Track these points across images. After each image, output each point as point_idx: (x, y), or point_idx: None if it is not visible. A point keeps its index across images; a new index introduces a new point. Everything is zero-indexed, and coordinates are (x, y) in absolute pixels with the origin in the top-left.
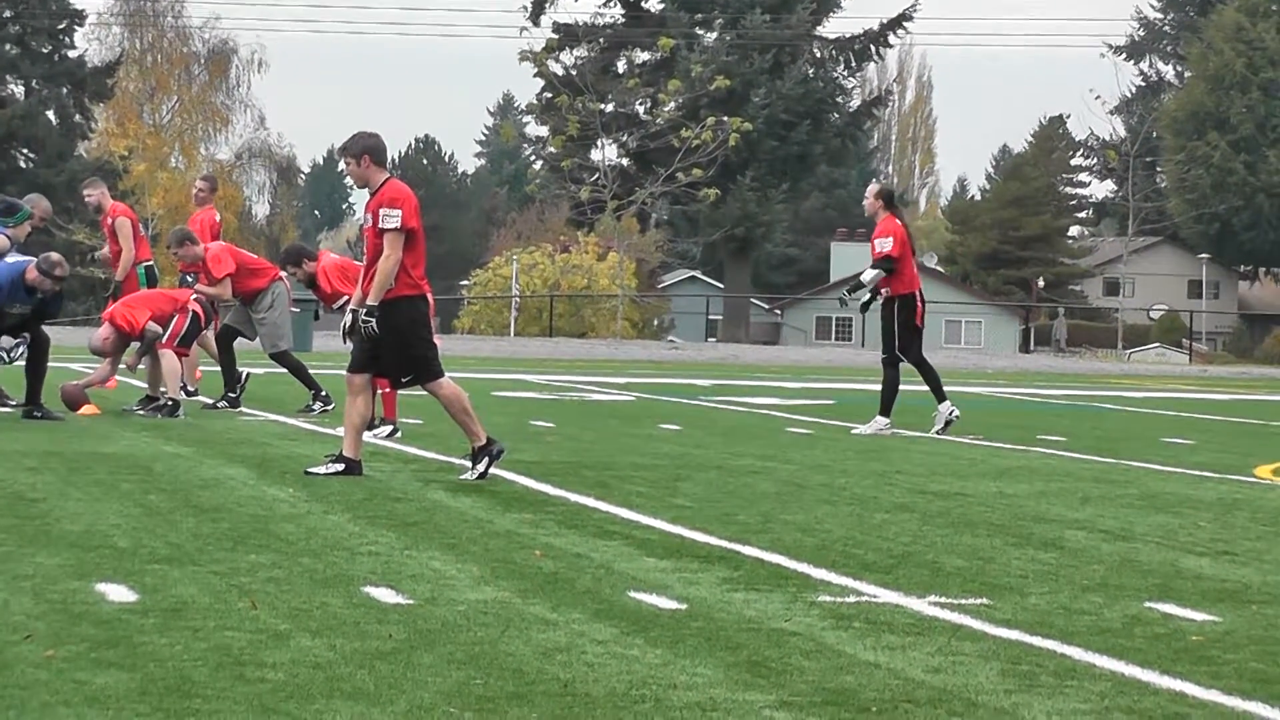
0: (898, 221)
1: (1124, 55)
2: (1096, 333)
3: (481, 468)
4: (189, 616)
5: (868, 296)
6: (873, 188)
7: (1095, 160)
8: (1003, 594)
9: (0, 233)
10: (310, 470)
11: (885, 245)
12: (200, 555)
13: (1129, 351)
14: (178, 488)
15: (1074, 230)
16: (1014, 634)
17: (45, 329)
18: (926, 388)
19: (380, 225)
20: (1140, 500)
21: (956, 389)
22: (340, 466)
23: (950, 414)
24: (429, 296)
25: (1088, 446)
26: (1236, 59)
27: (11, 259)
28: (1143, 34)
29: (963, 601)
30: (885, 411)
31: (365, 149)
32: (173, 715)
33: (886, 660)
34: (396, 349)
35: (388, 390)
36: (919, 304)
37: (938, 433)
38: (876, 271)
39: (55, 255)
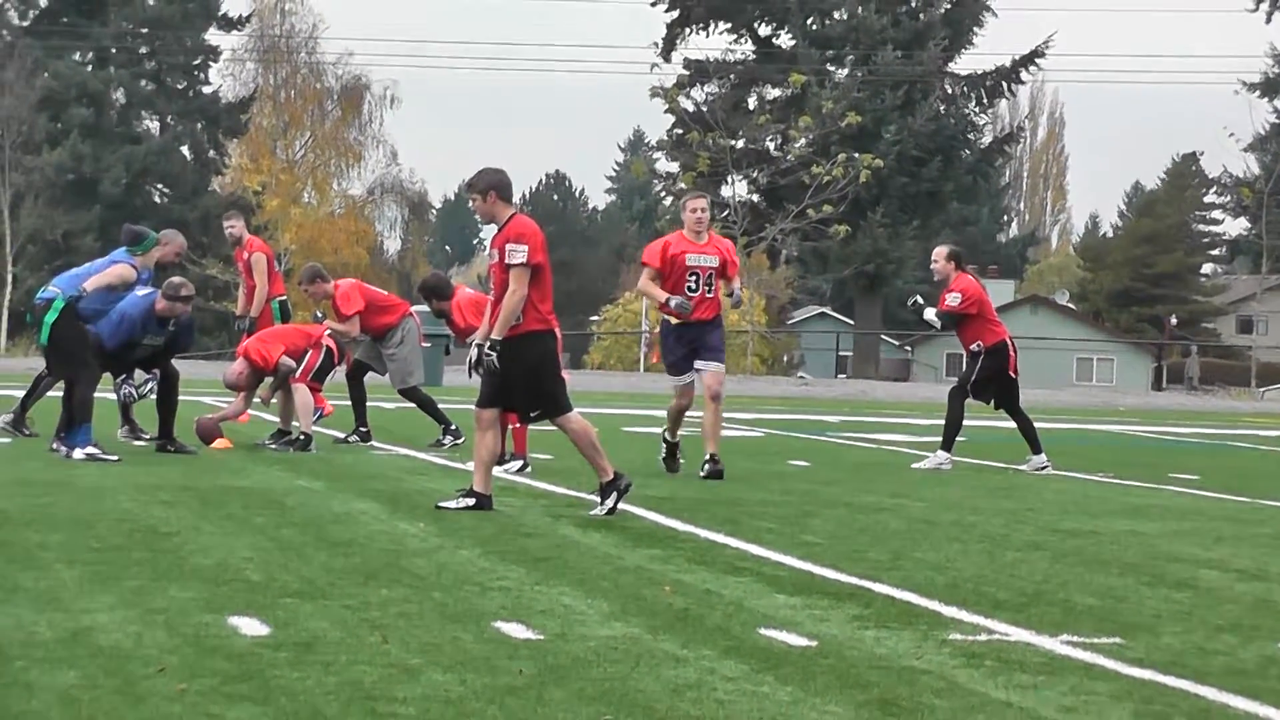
0: (970, 279)
1: (1258, 92)
2: (1229, 371)
3: (610, 503)
4: (321, 651)
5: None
6: (941, 250)
7: (1229, 197)
8: (1136, 633)
9: (128, 262)
10: (441, 505)
11: (953, 300)
12: (332, 589)
13: (1262, 390)
14: (309, 522)
15: (1207, 268)
16: (1147, 674)
17: (175, 363)
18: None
19: (506, 260)
20: (1274, 539)
21: (1088, 426)
22: (471, 501)
23: (1042, 467)
24: (557, 332)
25: (1221, 485)
26: None
27: (143, 291)
28: (1277, 70)
29: (1095, 641)
30: (947, 446)
31: (491, 185)
32: None
33: (1019, 699)
34: (525, 384)
35: (518, 425)
36: (1010, 352)
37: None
38: (934, 315)
39: (176, 279)
